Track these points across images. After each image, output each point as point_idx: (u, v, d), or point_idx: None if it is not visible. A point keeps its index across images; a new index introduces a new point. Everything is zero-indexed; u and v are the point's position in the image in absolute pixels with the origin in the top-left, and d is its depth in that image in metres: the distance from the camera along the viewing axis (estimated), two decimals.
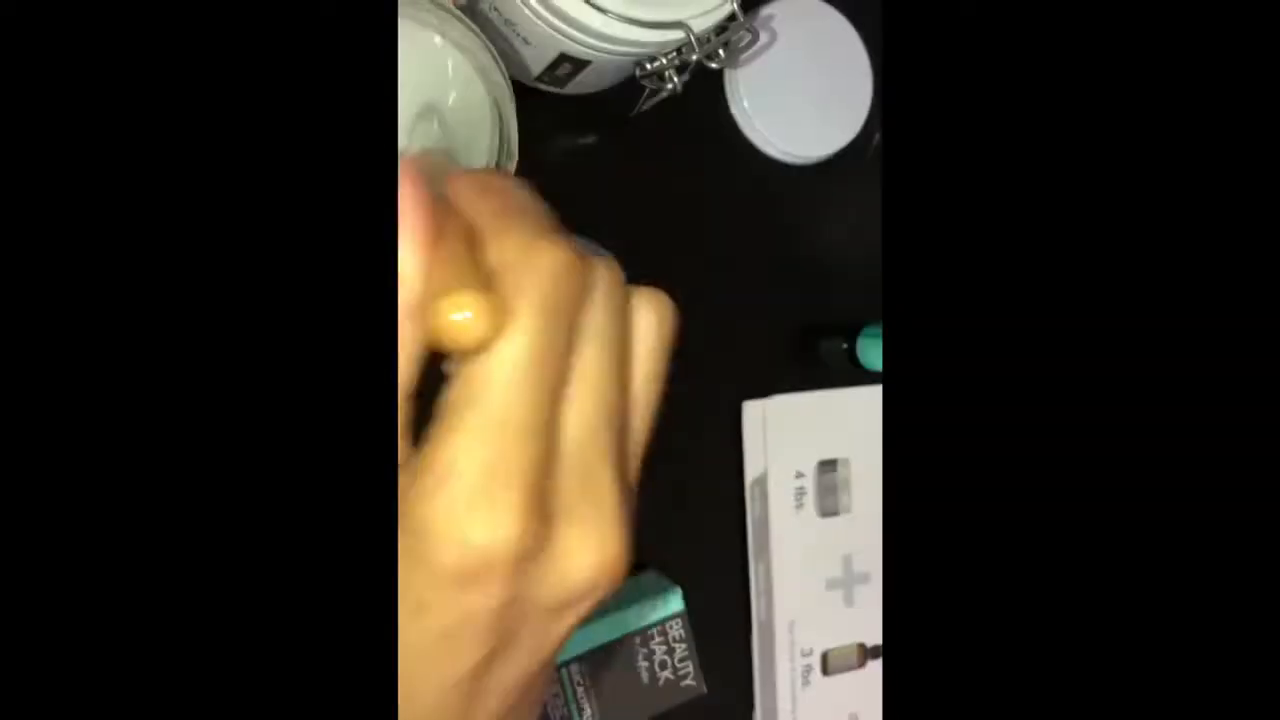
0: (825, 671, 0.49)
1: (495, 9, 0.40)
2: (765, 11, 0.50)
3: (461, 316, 0.19)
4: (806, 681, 0.49)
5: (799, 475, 0.49)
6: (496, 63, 0.37)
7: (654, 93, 0.42)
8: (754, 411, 0.49)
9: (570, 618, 0.21)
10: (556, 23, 0.38)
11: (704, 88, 0.50)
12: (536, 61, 0.42)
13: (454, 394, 0.20)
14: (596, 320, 0.21)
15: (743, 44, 0.42)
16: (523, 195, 0.22)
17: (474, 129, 0.38)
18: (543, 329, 0.20)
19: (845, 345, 0.51)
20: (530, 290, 0.20)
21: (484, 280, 0.20)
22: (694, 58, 0.39)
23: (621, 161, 0.49)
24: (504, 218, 0.21)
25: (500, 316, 0.19)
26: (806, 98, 0.52)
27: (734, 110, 0.52)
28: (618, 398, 0.22)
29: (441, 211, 0.21)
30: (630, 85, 0.43)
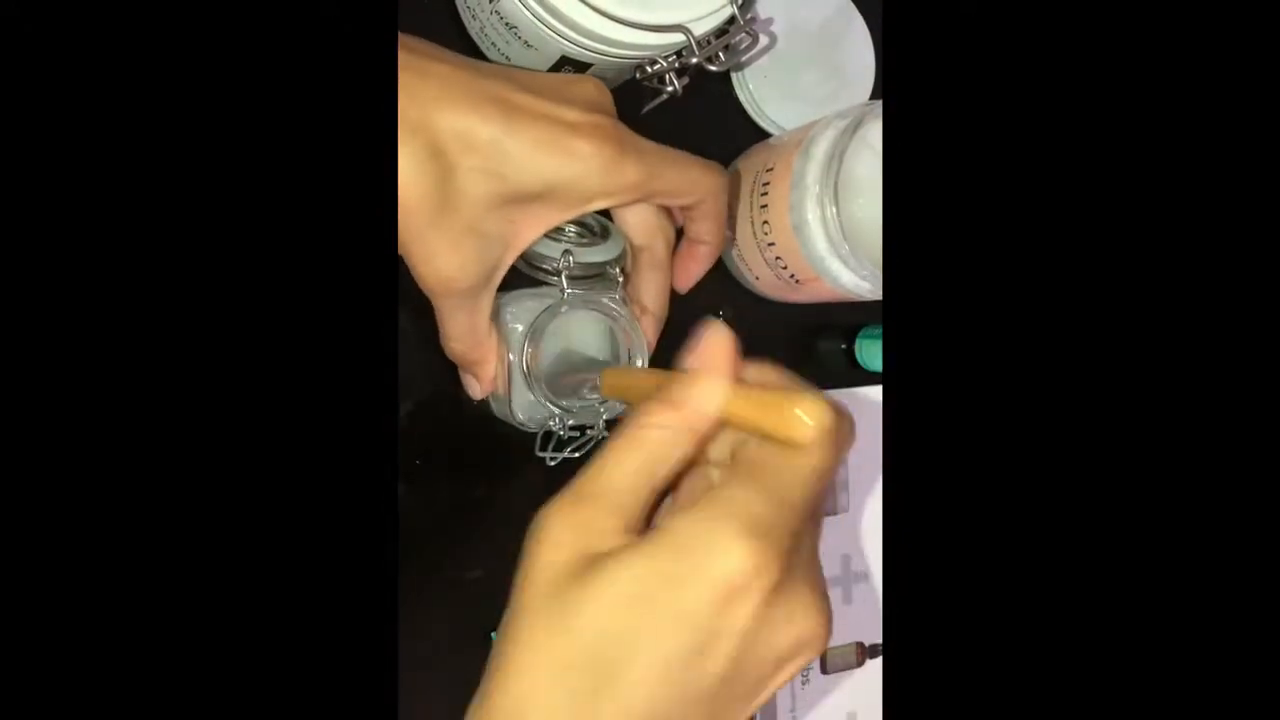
0: (824, 670, 0.49)
1: (497, 13, 0.40)
2: (766, 12, 0.50)
3: (803, 415, 0.24)
4: (805, 679, 0.49)
5: None
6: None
7: (654, 94, 0.43)
8: None
9: (785, 673, 0.24)
10: (557, 25, 0.38)
11: (708, 89, 0.50)
12: (539, 65, 0.42)
13: (748, 458, 0.25)
14: None
15: (743, 46, 0.42)
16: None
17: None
18: (837, 455, 0.26)
19: (845, 345, 0.52)
20: (845, 426, 0.26)
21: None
22: (694, 61, 0.40)
23: None
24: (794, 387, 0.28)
25: (828, 431, 0.25)
26: (814, 91, 0.52)
27: (741, 96, 0.52)
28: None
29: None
30: (634, 88, 0.43)
